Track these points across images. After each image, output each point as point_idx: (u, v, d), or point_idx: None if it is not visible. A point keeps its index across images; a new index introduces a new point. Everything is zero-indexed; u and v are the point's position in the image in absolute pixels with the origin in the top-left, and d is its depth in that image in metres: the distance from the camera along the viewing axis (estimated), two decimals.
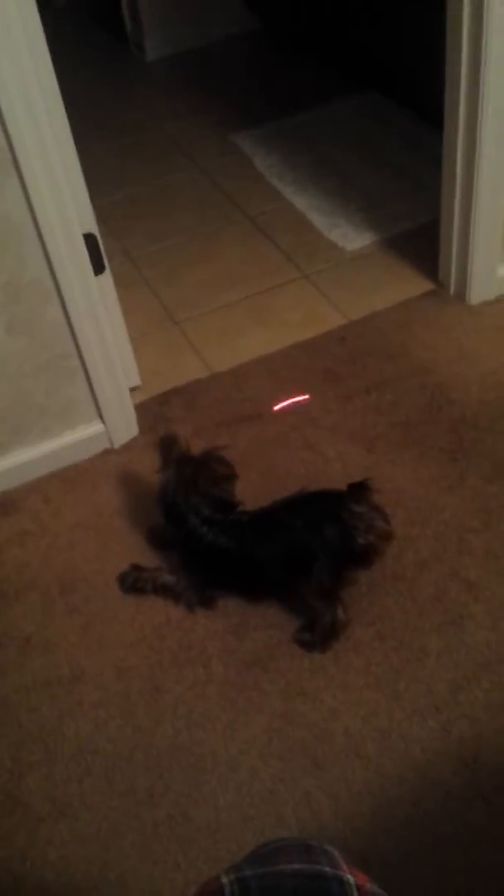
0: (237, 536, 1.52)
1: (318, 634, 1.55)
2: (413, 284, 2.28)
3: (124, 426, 1.97)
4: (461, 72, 1.82)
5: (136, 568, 1.69)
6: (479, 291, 2.17)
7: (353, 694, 1.50)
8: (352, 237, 2.46)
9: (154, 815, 1.39)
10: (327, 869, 0.70)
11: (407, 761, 1.41)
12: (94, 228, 1.69)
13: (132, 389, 2.03)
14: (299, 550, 1.48)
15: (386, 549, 1.52)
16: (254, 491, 1.62)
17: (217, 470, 1.55)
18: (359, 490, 1.43)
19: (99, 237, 1.71)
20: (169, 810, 1.39)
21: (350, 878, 0.70)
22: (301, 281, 2.38)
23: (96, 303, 1.75)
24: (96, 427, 1.94)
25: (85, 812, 1.41)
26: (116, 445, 1.98)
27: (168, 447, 1.55)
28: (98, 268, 1.72)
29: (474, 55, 1.77)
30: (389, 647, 1.55)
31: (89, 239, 1.67)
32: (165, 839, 1.36)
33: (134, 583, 1.68)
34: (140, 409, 2.02)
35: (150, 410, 2.05)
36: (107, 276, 1.79)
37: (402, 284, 2.29)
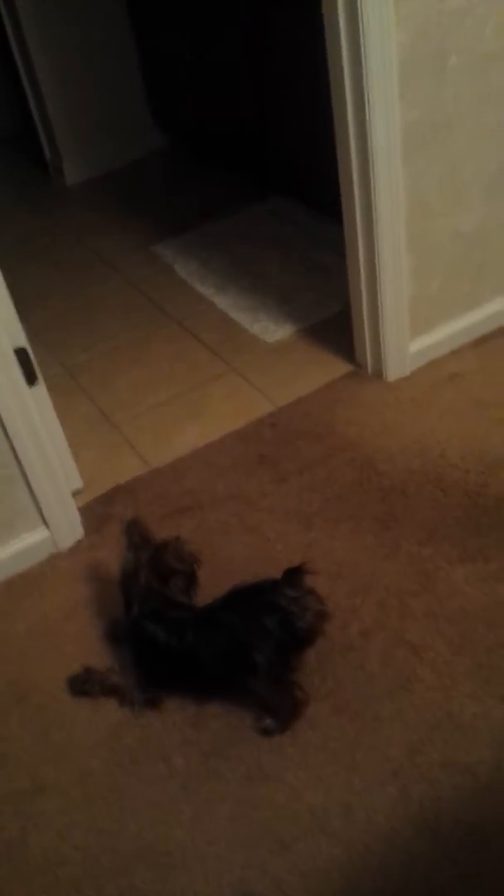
0: (178, 634, 1.54)
1: (282, 720, 1.57)
2: (334, 368, 2.41)
3: (69, 529, 2.01)
4: (352, 171, 1.98)
5: (86, 670, 1.70)
6: (395, 369, 2.30)
7: (314, 771, 1.52)
8: (272, 330, 2.60)
9: None
10: None
11: (371, 830, 1.42)
12: (24, 343, 1.77)
13: (75, 492, 2.07)
14: (240, 647, 1.50)
15: (323, 627, 1.56)
16: (201, 578, 1.65)
17: (170, 564, 1.58)
18: (292, 575, 1.49)
19: (30, 350, 1.79)
20: None
21: None
22: (229, 374, 2.49)
23: (31, 412, 1.81)
24: (41, 533, 1.98)
25: None
26: (62, 549, 2.01)
27: (131, 533, 1.59)
28: (31, 379, 1.79)
29: (362, 153, 1.93)
30: (344, 718, 1.58)
31: (20, 353, 1.75)
32: None
33: (82, 686, 1.68)
34: (84, 510, 2.07)
35: (94, 511, 2.10)
36: (41, 387, 1.86)
37: (324, 369, 2.41)
